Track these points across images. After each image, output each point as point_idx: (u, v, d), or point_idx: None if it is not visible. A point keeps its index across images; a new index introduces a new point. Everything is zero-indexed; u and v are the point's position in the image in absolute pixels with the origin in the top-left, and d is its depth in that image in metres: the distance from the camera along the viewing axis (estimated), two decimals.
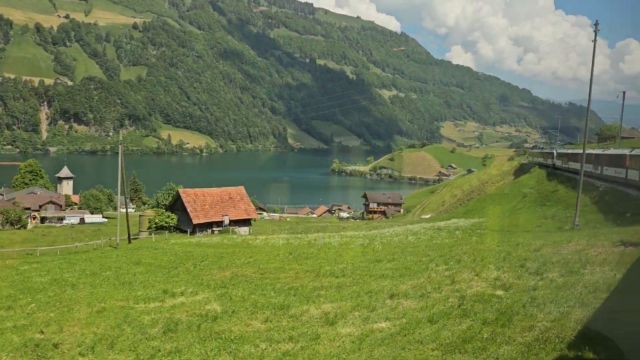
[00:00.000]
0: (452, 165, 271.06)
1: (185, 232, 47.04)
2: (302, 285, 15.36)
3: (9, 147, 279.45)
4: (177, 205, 49.79)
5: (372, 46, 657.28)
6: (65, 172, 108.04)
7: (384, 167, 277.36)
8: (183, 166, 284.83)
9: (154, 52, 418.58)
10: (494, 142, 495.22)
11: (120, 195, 44.80)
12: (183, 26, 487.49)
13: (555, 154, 55.19)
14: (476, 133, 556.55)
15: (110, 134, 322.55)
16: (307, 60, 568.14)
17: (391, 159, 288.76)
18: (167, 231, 47.06)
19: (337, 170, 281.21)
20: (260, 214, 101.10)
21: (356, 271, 16.83)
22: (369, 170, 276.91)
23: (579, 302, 9.80)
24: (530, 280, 12.53)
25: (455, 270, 14.93)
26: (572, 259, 14.80)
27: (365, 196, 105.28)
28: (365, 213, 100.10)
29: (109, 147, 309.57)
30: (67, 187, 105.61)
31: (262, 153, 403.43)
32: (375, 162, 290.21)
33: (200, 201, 48.30)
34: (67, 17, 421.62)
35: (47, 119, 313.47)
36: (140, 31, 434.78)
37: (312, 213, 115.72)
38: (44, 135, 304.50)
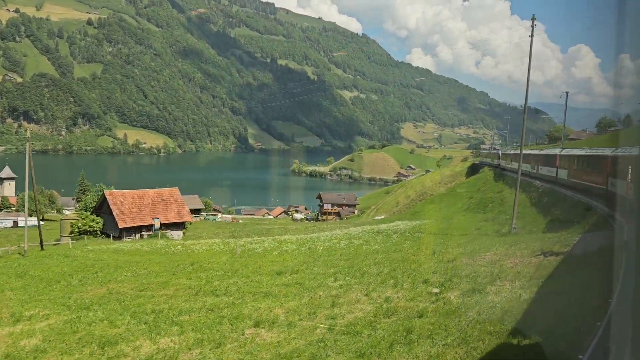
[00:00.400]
0: (411, 166, 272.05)
1: (114, 237, 43.84)
2: (170, 307, 13.00)
3: None
4: (103, 207, 46.42)
5: (334, 47, 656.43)
6: (6, 172, 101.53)
7: (344, 168, 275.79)
8: (139, 167, 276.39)
9: (110, 49, 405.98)
10: (453, 144, 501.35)
11: (32, 197, 41.28)
12: (140, 23, 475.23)
13: (500, 155, 54.63)
14: (435, 134, 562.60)
15: (63, 132, 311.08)
16: (268, 60, 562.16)
17: (351, 160, 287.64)
18: (89, 236, 43.67)
19: (297, 171, 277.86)
20: (214, 215, 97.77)
21: (243, 287, 14.56)
22: (329, 171, 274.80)
23: (461, 337, 7.78)
24: (422, 302, 10.53)
25: (349, 287, 12.85)
26: (483, 272, 12.92)
27: (319, 197, 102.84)
28: (319, 214, 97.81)
29: (60, 146, 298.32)
30: (8, 188, 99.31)
31: (221, 153, 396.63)
32: (336, 162, 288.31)
33: (129, 203, 45.01)
34: (17, 11, 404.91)
35: None
36: (95, 27, 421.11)
37: (269, 214, 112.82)
38: None
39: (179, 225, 47.54)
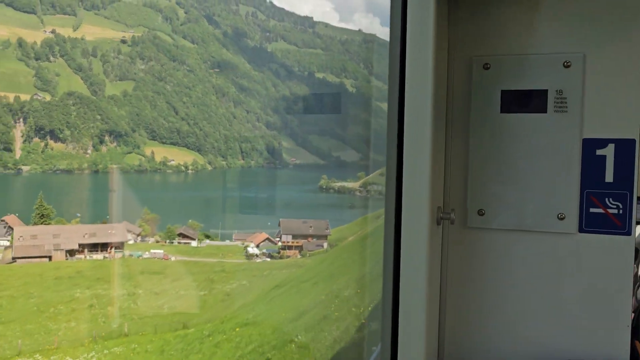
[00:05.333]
0: None
1: None
2: None
3: None
4: None
5: (374, 59, 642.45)
6: None
7: (374, 183, 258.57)
8: (161, 185, 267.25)
9: (142, 67, 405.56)
10: None
11: None
12: (176, 40, 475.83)
13: None
14: None
15: (89, 151, 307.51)
16: (306, 73, 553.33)
17: (382, 174, 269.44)
18: None
19: (324, 187, 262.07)
20: (141, 251, 78.02)
21: None
22: (359, 187, 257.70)
23: None
24: None
25: None
26: None
27: (280, 224, 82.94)
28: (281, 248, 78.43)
29: (86, 165, 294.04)
30: None
31: (254, 169, 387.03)
32: (366, 177, 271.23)
33: None
34: (53, 32, 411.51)
35: (22, 136, 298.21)
36: (129, 45, 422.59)
37: (248, 241, 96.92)
38: (18, 153, 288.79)
39: None
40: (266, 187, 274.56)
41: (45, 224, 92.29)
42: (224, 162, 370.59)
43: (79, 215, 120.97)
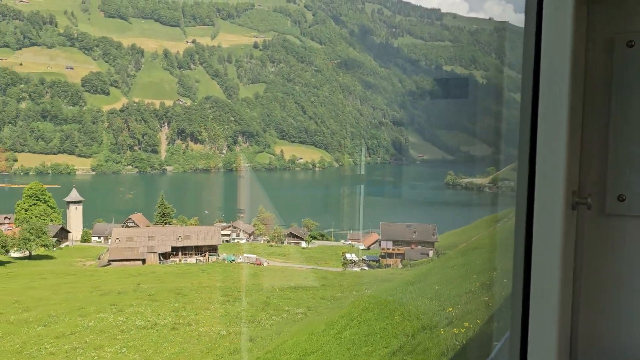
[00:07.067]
0: None
1: None
2: None
3: (129, 167, 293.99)
4: None
5: (506, 47, 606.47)
6: (73, 195, 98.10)
7: (506, 179, 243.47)
8: (288, 183, 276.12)
9: (273, 69, 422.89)
10: None
11: None
12: (304, 42, 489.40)
13: None
14: None
15: (224, 151, 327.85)
16: (433, 67, 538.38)
17: (514, 169, 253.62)
18: None
19: (450, 183, 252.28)
20: (234, 255, 74.79)
21: None
22: (488, 183, 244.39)
23: None
24: None
25: None
26: None
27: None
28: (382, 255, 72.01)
29: (221, 164, 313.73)
30: (75, 213, 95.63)
31: (379, 166, 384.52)
32: (497, 172, 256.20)
33: None
34: (193, 41, 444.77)
35: (166, 139, 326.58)
36: (260, 50, 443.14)
37: (357, 241, 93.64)
38: (163, 155, 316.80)
39: None
40: (389, 184, 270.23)
41: (165, 223, 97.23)
42: (350, 159, 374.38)
43: (207, 212, 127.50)
